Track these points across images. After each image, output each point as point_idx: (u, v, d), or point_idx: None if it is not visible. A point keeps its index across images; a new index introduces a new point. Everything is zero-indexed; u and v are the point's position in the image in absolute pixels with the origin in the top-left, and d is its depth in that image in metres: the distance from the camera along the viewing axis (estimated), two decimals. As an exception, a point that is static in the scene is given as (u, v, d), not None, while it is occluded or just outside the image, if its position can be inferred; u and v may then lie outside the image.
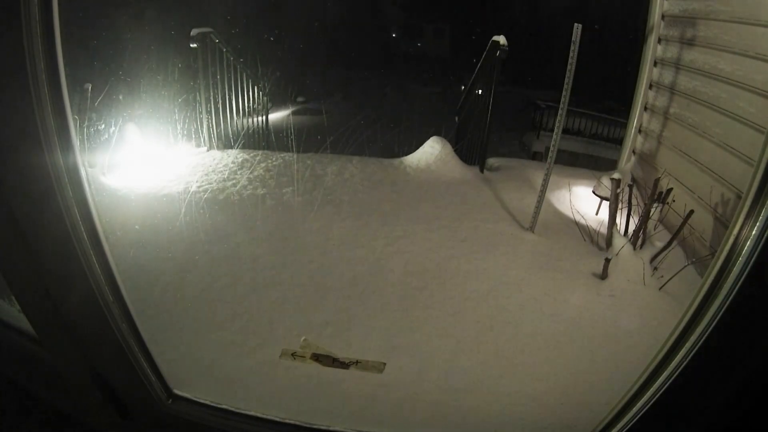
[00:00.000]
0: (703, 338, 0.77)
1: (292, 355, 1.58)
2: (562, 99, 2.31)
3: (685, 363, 0.80)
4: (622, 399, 0.95)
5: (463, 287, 2.11)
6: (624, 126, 3.58)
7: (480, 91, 3.67)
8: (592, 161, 6.56)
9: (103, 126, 3.32)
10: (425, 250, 2.35)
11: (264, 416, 1.17)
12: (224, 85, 3.64)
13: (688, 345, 0.80)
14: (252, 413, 1.17)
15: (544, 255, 2.39)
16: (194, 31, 3.27)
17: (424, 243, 2.41)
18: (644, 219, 2.37)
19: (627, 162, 3.42)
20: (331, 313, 1.90)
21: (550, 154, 2.47)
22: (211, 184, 2.86)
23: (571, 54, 2.20)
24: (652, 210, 2.42)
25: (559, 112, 2.33)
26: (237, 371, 1.60)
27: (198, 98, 3.52)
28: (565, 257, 2.39)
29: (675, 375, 0.81)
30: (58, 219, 0.82)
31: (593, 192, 2.94)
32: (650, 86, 3.21)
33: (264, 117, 4.76)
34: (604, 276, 2.21)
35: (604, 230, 2.57)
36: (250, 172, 3.04)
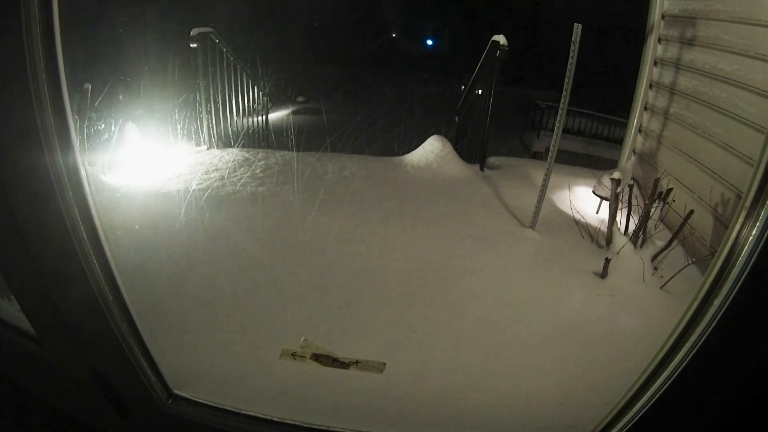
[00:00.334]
0: (703, 338, 0.77)
1: (292, 355, 1.59)
2: (562, 99, 2.31)
3: (685, 363, 0.80)
4: (622, 399, 0.95)
5: (463, 285, 2.11)
6: (624, 126, 3.59)
7: (480, 91, 3.68)
8: (592, 161, 6.56)
9: (103, 126, 3.32)
10: (426, 248, 2.35)
11: (264, 416, 1.17)
12: (224, 84, 3.65)
13: (688, 345, 0.80)
14: (252, 413, 1.17)
15: (544, 253, 2.38)
16: (194, 31, 3.28)
17: (424, 240, 2.41)
18: (644, 218, 2.37)
19: (627, 161, 3.42)
20: (331, 311, 1.90)
21: (550, 153, 2.47)
22: (211, 182, 2.85)
23: (571, 54, 2.20)
24: (653, 209, 2.42)
25: (559, 111, 2.34)
26: (237, 371, 1.60)
27: (198, 98, 3.53)
28: (565, 256, 2.38)
29: (675, 375, 0.82)
30: (58, 219, 0.82)
31: (593, 192, 2.94)
32: (650, 86, 3.21)
33: (264, 116, 4.76)
34: (604, 275, 2.21)
35: (604, 229, 2.57)
36: (250, 171, 3.04)
